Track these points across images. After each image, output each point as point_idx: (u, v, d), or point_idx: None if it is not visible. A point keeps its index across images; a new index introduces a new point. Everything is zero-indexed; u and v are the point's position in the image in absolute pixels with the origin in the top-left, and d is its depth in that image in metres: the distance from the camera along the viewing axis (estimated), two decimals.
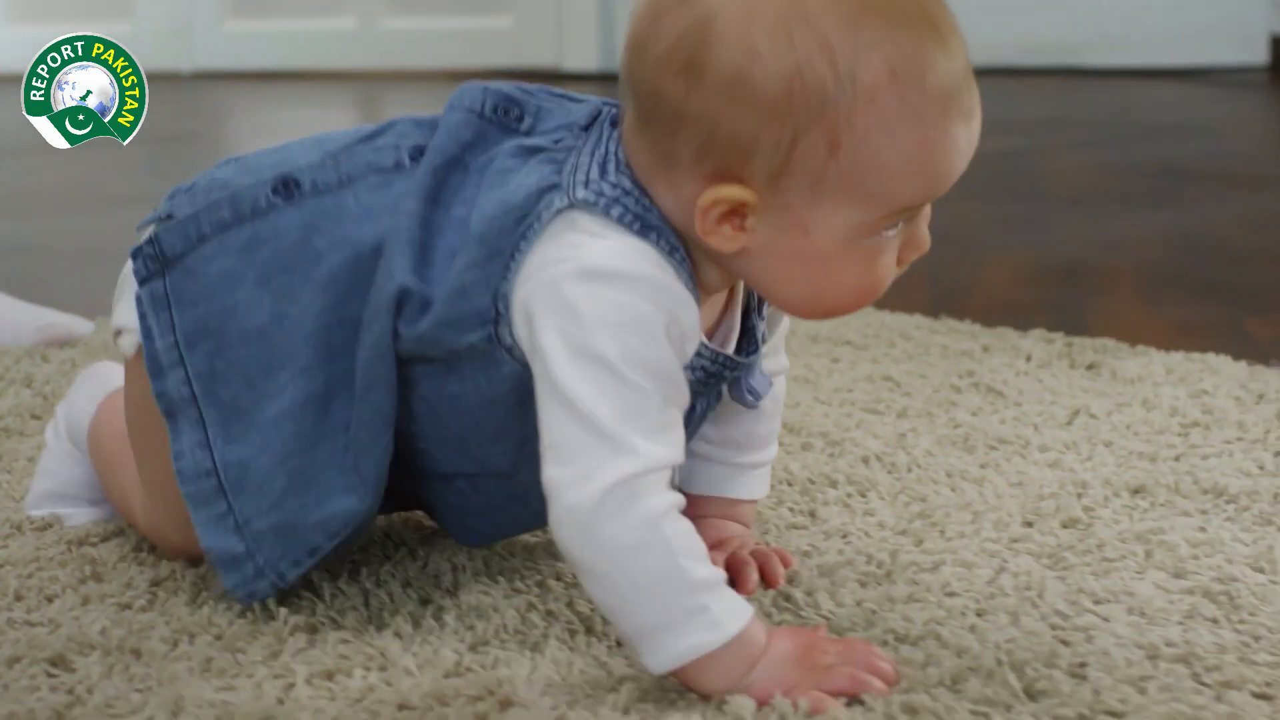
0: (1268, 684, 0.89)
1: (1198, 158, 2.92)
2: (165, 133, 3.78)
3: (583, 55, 4.42)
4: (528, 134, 0.95)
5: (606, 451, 0.86)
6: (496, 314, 0.92)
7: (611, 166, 0.92)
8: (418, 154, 0.97)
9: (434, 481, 1.02)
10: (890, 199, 0.88)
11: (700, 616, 0.85)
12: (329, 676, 0.92)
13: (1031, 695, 0.88)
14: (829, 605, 1.00)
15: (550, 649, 0.94)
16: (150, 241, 1.00)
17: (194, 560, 1.06)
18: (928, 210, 0.92)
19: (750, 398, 1.02)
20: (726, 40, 0.85)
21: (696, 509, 1.06)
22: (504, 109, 0.96)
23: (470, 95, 0.97)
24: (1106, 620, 0.97)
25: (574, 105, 0.96)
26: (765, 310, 1.02)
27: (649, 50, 0.88)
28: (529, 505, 0.95)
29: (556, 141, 0.94)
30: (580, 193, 0.90)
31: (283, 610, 0.99)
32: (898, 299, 1.77)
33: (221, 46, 4.80)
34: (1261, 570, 1.06)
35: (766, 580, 1.03)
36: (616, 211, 0.90)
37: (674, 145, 0.88)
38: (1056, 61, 4.22)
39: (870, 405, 1.44)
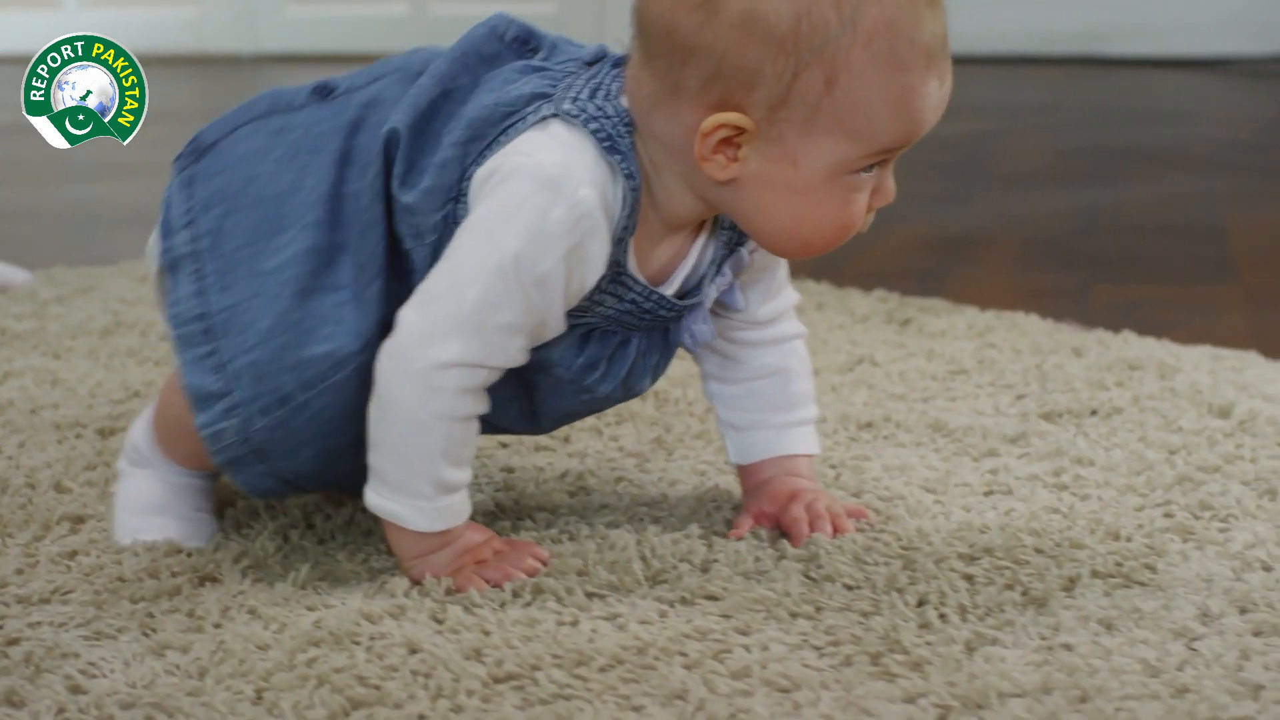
0: (849, 584, 1.02)
1: (1161, 142, 3.00)
2: (218, 110, 3.98)
3: (624, 37, 4.56)
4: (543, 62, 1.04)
5: (450, 330, 0.96)
6: (459, 193, 1.00)
7: (601, 94, 0.99)
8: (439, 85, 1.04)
9: None
10: (872, 138, 0.96)
11: (421, 502, 1.00)
12: None
13: (652, 582, 1.03)
14: (537, 511, 1.15)
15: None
16: (193, 140, 1.08)
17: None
18: (891, 169, 1.00)
19: (688, 339, 1.08)
20: None
21: (757, 475, 1.14)
22: (523, 39, 1.05)
23: (497, 20, 1.06)
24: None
25: (583, 48, 1.05)
26: (738, 261, 1.09)
27: None
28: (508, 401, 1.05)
29: (560, 66, 1.02)
30: (566, 105, 0.98)
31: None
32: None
33: (282, 30, 5.01)
34: (931, 491, 1.19)
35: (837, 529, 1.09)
36: (594, 126, 0.98)
37: (682, 75, 0.96)
38: (1079, 51, 4.29)
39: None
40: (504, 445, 1.30)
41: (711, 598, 1.00)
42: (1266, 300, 1.80)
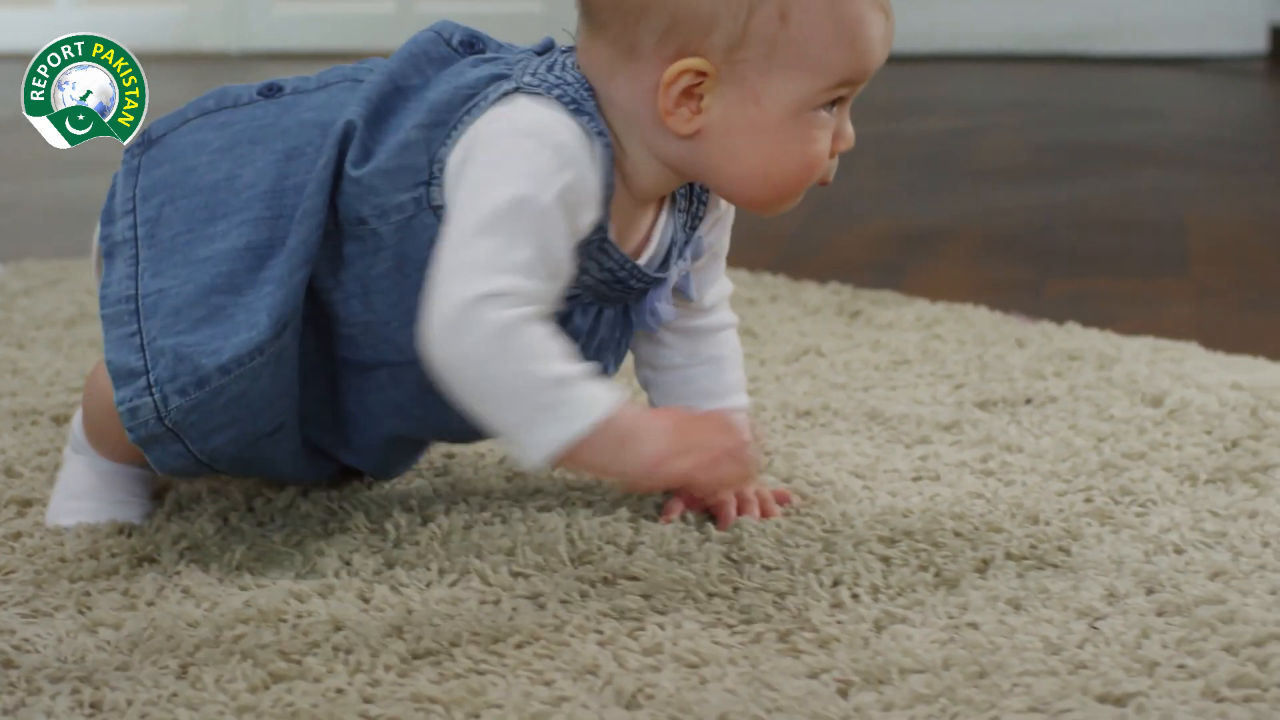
0: (768, 565, 1.05)
1: (1131, 138, 3.02)
2: None
3: None
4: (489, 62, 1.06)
5: (466, 271, 0.96)
6: (430, 176, 1.01)
7: (558, 69, 1.02)
8: (393, 93, 1.05)
9: (354, 377, 1.08)
10: (829, 70, 0.99)
11: (556, 410, 0.95)
12: None
13: (577, 563, 1.05)
14: (471, 495, 1.18)
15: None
16: (143, 132, 1.09)
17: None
18: (848, 114, 1.03)
19: (650, 319, 1.10)
20: None
21: None
22: (469, 43, 1.07)
23: (441, 26, 1.08)
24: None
25: (528, 48, 1.08)
26: (700, 232, 1.11)
27: None
28: (439, 400, 1.02)
29: (511, 57, 1.05)
30: (526, 79, 1.01)
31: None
32: (749, 254, 1.93)
33: (271, 28, 5.04)
34: (860, 476, 1.21)
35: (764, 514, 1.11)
36: (556, 93, 1.00)
37: (636, 34, 0.98)
38: (1061, 49, 4.31)
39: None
40: None
41: (633, 578, 1.02)
42: (1215, 293, 1.83)
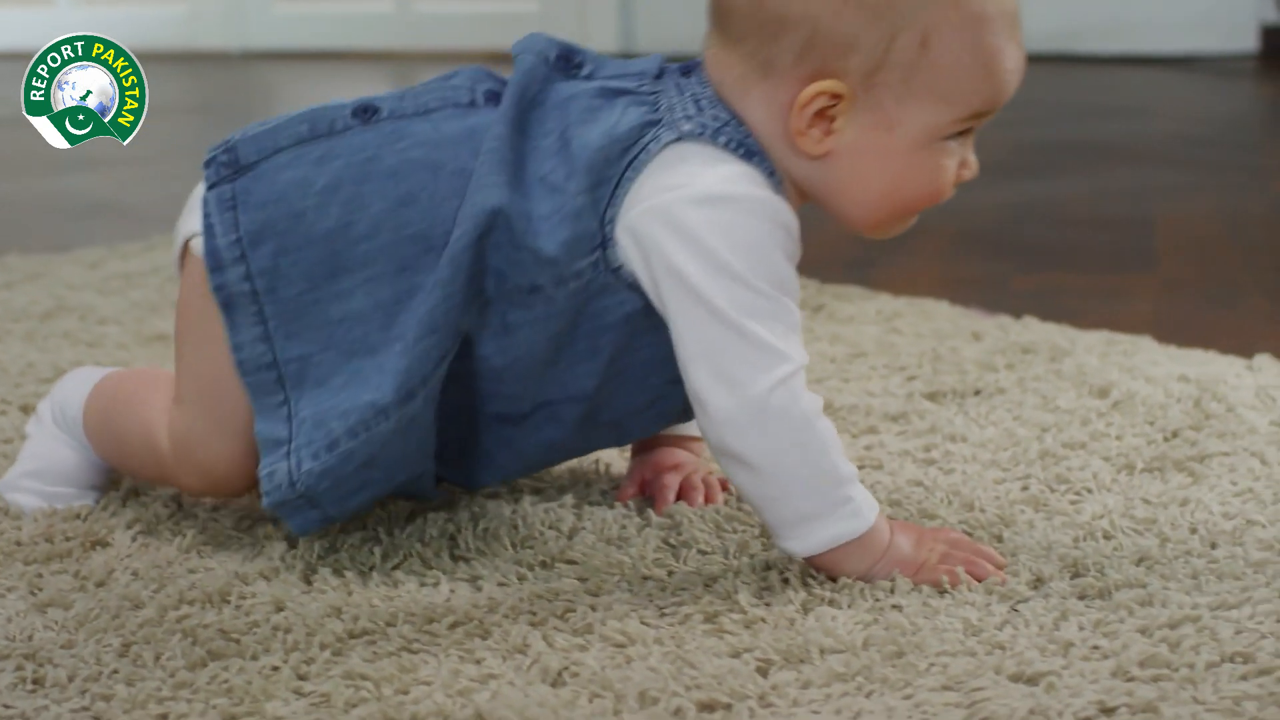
0: (704, 549, 1.08)
1: (1110, 137, 3.04)
2: (205, 104, 4.04)
3: (604, 37, 4.61)
4: (589, 79, 1.03)
5: (759, 355, 0.96)
6: (603, 239, 0.99)
7: (705, 104, 1.00)
8: (492, 97, 1.04)
9: (504, 428, 1.06)
10: (963, 101, 0.98)
11: (846, 506, 0.98)
12: None
13: (518, 547, 1.08)
14: None
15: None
16: (226, 149, 1.04)
17: (219, 484, 1.09)
18: (972, 143, 1.04)
19: None
20: None
21: (649, 442, 1.17)
22: (566, 57, 1.04)
23: (538, 42, 1.04)
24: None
25: (628, 61, 1.05)
26: None
27: None
28: (596, 426, 1.06)
29: (639, 85, 1.01)
30: (686, 126, 0.99)
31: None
32: None
33: (270, 27, 5.07)
34: None
35: (686, 501, 1.14)
36: (723, 139, 0.99)
37: (774, 51, 0.98)
38: (1053, 48, 4.32)
39: None
40: None
41: (570, 562, 1.05)
42: (1177, 289, 1.85)
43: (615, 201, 0.98)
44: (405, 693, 0.88)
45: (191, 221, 1.06)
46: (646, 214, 0.98)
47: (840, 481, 0.98)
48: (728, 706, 0.86)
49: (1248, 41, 4.18)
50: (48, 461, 1.16)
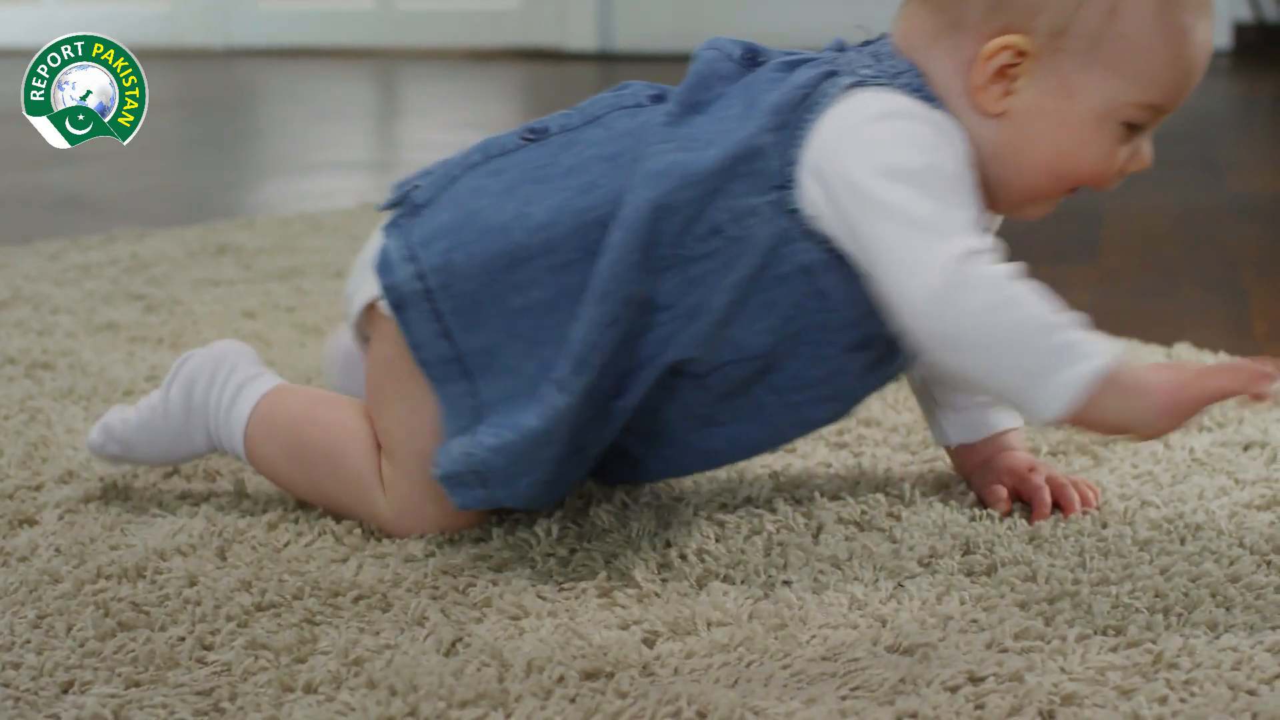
0: (606, 528, 1.11)
1: None
2: (186, 100, 4.07)
3: (582, 36, 4.66)
4: None
5: (938, 239, 0.94)
6: (785, 180, 0.98)
7: (884, 57, 1.01)
8: (655, 98, 1.05)
9: (681, 390, 1.04)
10: (1147, 81, 0.98)
11: (1071, 351, 0.93)
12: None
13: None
14: None
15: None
16: (404, 198, 1.06)
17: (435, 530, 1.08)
18: (1149, 137, 1.03)
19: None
20: None
21: (976, 457, 1.16)
22: (750, 55, 1.05)
23: (722, 42, 1.06)
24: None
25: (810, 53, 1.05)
26: None
27: None
28: (775, 399, 1.04)
29: (816, 56, 1.03)
30: (865, 72, 1.00)
31: None
32: None
33: (253, 25, 5.11)
34: None
35: (1062, 507, 1.11)
36: (901, 82, 0.99)
37: (964, 6, 0.99)
38: None
39: None
40: None
41: (477, 540, 1.08)
42: (1116, 280, 1.88)
43: (795, 143, 0.98)
44: (302, 661, 0.92)
45: (368, 284, 1.06)
46: (827, 146, 0.98)
47: (1055, 328, 0.94)
48: (610, 675, 0.89)
49: (1220, 38, 4.22)
50: (167, 436, 1.15)
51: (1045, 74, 0.99)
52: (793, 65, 1.02)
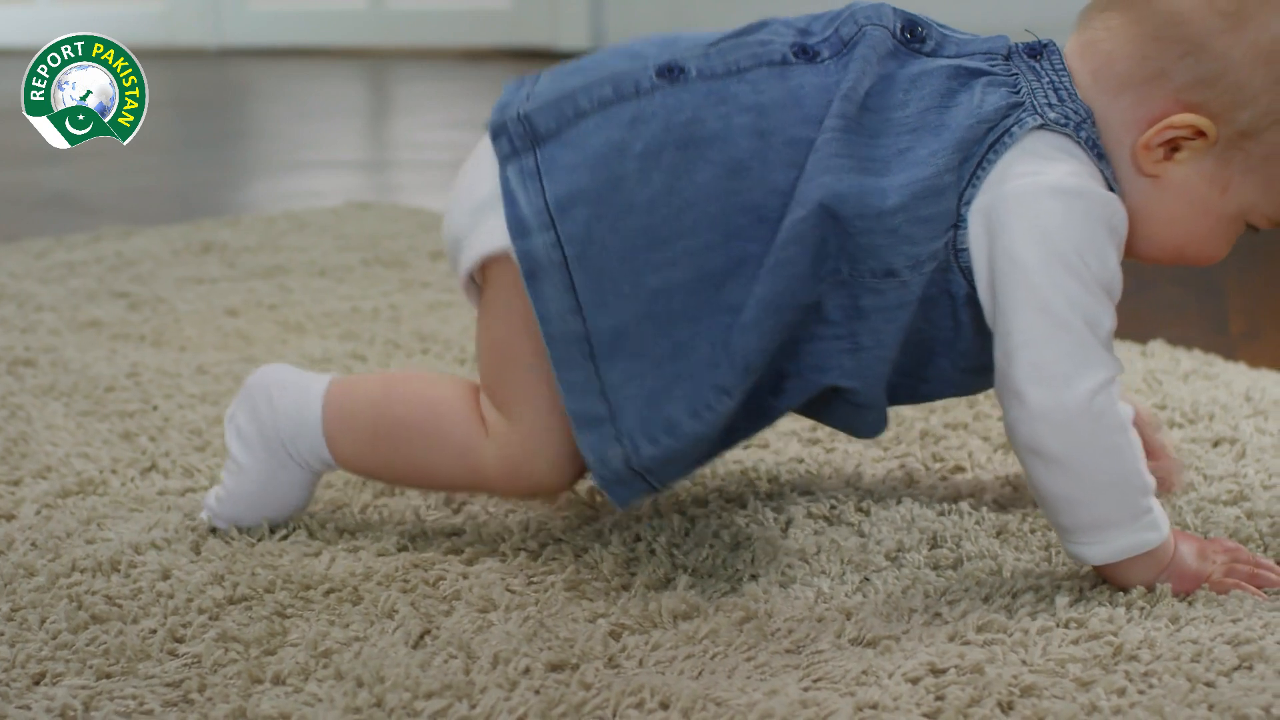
0: (575, 524, 1.12)
1: None
2: (178, 99, 4.08)
3: (574, 35, 4.67)
4: (931, 55, 1.00)
5: (1083, 357, 0.94)
6: (958, 220, 0.97)
7: (1065, 95, 0.99)
8: (799, 51, 1.00)
9: (835, 404, 1.04)
10: None
11: (1146, 517, 0.97)
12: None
13: (400, 522, 1.12)
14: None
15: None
16: (519, 120, 0.99)
17: (547, 491, 1.06)
18: None
19: None
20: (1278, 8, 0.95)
21: None
22: (910, 29, 1.01)
23: (884, 14, 1.01)
24: None
25: (968, 37, 1.02)
26: None
27: None
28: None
29: (992, 65, 1.00)
30: (1051, 114, 0.97)
31: None
32: None
33: (246, 24, 5.12)
34: None
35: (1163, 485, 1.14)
36: (1083, 134, 0.98)
37: (1174, 66, 0.96)
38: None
39: None
40: None
41: (451, 534, 1.10)
42: None
43: (975, 182, 0.97)
44: (272, 653, 0.93)
45: (487, 234, 1.00)
46: (1002, 197, 0.96)
47: (1144, 491, 0.97)
48: (575, 666, 0.91)
49: None
50: (261, 485, 1.10)
51: (1211, 161, 0.98)
52: (970, 74, 0.99)
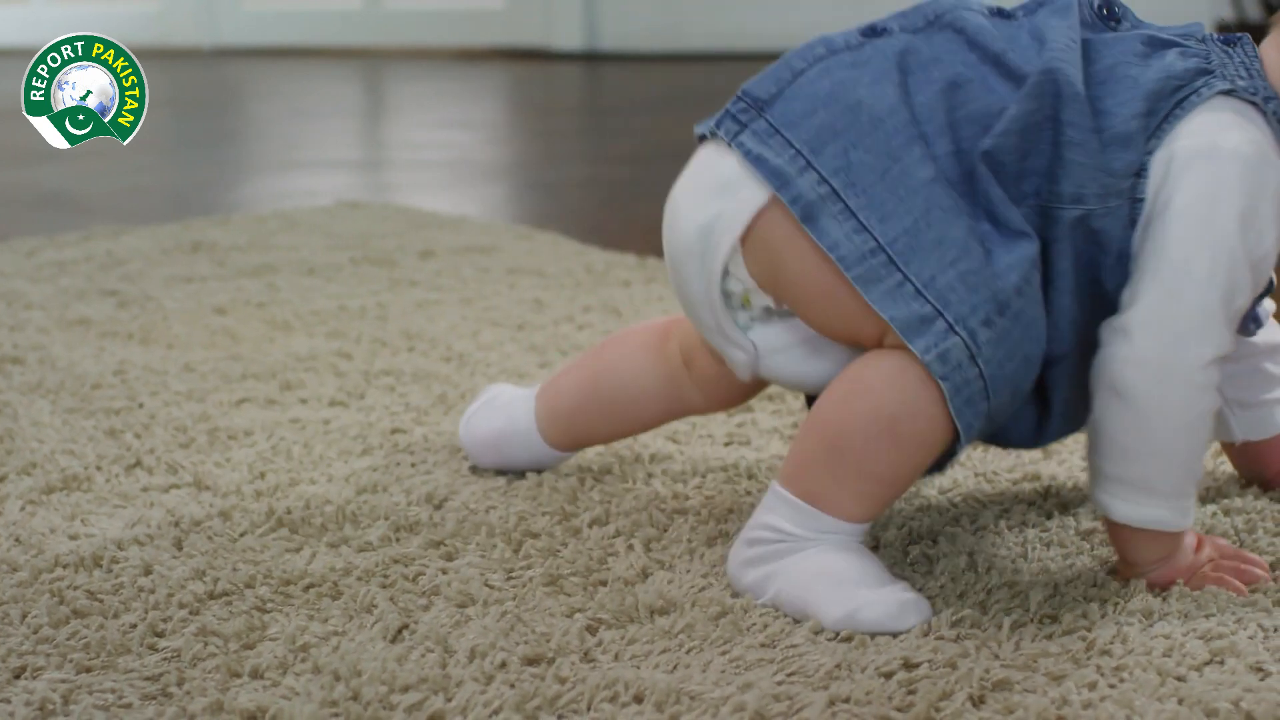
0: (558, 518, 1.13)
1: None
2: (173, 98, 4.09)
3: (568, 35, 4.67)
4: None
5: (1204, 323, 0.96)
6: (1141, 168, 0.98)
7: (1255, 72, 1.00)
8: (996, 13, 1.03)
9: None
10: None
11: (1184, 502, 0.99)
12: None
13: (381, 518, 1.13)
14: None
15: None
16: (735, 101, 1.01)
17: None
18: None
19: (1252, 325, 1.09)
20: None
21: (1272, 450, 1.17)
22: (1107, 7, 1.04)
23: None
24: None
25: (1157, 26, 1.03)
26: None
27: None
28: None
29: (1186, 41, 1.01)
30: (1240, 82, 0.99)
31: None
32: (636, 239, 2.00)
33: (240, 24, 5.13)
34: (676, 441, 1.29)
35: None
36: (1272, 106, 1.00)
37: None
38: None
39: (504, 320, 1.69)
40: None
41: (432, 527, 1.10)
42: None
43: (1159, 134, 0.98)
44: (251, 648, 0.94)
45: (743, 206, 0.99)
46: (1185, 150, 0.98)
47: (1194, 478, 0.99)
48: (551, 660, 0.91)
49: None
50: (839, 573, 1.00)
51: None
52: (1164, 44, 1.01)
